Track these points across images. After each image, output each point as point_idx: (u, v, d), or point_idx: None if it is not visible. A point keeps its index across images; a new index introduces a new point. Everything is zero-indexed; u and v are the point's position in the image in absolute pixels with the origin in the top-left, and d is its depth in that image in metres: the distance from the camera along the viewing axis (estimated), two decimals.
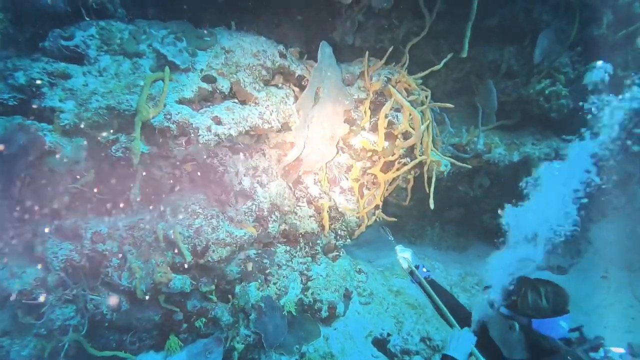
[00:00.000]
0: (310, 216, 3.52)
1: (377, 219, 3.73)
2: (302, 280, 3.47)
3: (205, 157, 2.84)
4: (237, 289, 3.21)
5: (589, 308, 4.19)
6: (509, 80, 4.50)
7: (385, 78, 3.65)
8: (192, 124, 2.60)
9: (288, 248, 3.50)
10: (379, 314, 3.74)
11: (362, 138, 3.65)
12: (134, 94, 2.52)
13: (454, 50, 3.67)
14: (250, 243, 3.15)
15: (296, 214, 3.45)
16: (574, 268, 4.84)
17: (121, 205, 2.75)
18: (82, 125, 2.48)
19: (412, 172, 3.85)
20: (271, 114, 3.03)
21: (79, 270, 2.69)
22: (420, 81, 3.82)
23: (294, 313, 3.32)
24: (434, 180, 3.63)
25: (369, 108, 3.66)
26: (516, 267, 1.62)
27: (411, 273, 2.23)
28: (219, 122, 2.73)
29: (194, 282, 2.97)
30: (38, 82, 2.35)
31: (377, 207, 3.81)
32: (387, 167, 3.69)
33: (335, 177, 3.69)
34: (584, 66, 4.21)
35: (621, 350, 1.43)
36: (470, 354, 1.68)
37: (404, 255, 2.30)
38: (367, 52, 3.64)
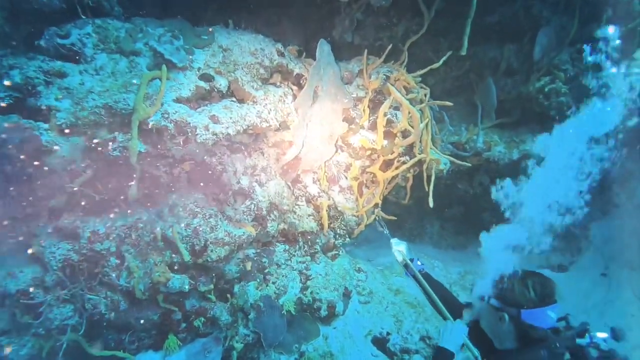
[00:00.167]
0: (309, 215, 3.51)
1: (377, 218, 3.72)
2: (301, 280, 3.47)
3: (203, 156, 2.83)
4: (236, 288, 3.20)
5: (589, 306, 4.19)
6: (508, 78, 4.48)
7: (384, 76, 3.63)
8: (189, 123, 2.59)
9: (287, 247, 3.49)
10: (378, 312, 3.73)
11: (361, 136, 3.64)
12: (130, 93, 2.50)
13: (453, 48, 3.65)
14: (249, 242, 3.14)
15: (295, 213, 3.44)
16: (574, 266, 4.83)
17: (119, 204, 2.74)
18: (78, 124, 2.46)
19: (412, 170, 3.84)
20: (269, 113, 3.01)
21: (77, 270, 2.68)
22: (419, 79, 3.80)
23: (293, 312, 3.31)
24: (433, 178, 3.62)
25: (368, 106, 3.64)
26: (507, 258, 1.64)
27: (405, 266, 2.28)
28: (216, 121, 2.72)
29: (192, 282, 2.96)
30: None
31: (376, 205, 3.80)
32: (386, 165, 3.67)
33: (334, 176, 3.68)
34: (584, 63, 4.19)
35: (604, 335, 1.48)
36: (463, 345, 1.72)
37: (399, 248, 2.35)
38: (365, 50, 3.62)
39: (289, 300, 3.32)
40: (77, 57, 2.58)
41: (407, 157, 3.68)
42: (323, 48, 3.35)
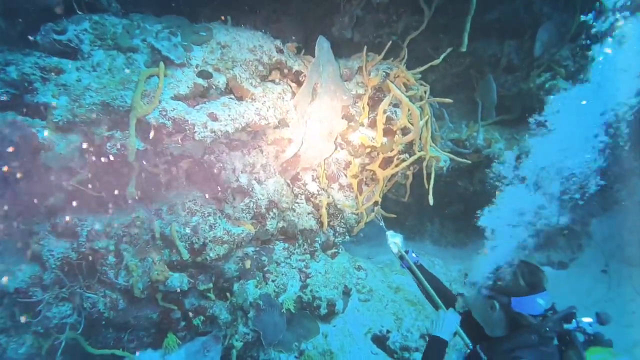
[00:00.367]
0: (309, 213, 3.49)
1: (376, 216, 3.71)
2: (300, 278, 3.45)
3: (201, 154, 2.81)
4: (235, 286, 3.19)
5: (590, 302, 4.19)
6: (508, 75, 4.46)
7: (384, 73, 3.60)
8: (187, 120, 2.57)
9: (286, 245, 3.48)
10: (378, 310, 3.73)
11: (361, 134, 3.62)
12: (128, 90, 2.48)
13: (453, 44, 3.63)
14: (248, 240, 3.13)
15: (294, 210, 3.42)
16: (574, 262, 4.83)
17: (117, 202, 2.72)
18: (76, 122, 2.44)
19: (411, 168, 3.82)
20: (268, 110, 2.99)
21: (76, 268, 2.66)
22: (419, 76, 3.78)
23: (293, 310, 3.30)
24: (433, 176, 3.60)
25: (368, 104, 3.62)
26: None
27: (401, 257, 2.32)
28: (215, 118, 2.70)
29: (191, 280, 2.95)
30: None
31: (376, 203, 3.78)
32: (386, 163, 3.65)
33: (333, 174, 3.66)
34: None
35: (589, 320, 1.53)
36: (455, 333, 1.77)
37: (395, 240, 2.39)
38: (365, 47, 3.60)
39: (288, 299, 3.31)
40: (74, 54, 2.56)
41: (407, 155, 3.66)
42: (322, 45, 3.32)
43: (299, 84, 3.36)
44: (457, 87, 4.64)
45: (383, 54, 3.59)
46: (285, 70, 3.32)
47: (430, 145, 3.64)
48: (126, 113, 2.47)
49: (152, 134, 2.49)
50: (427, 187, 3.55)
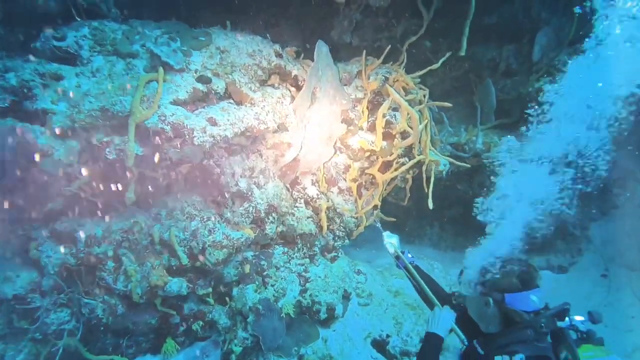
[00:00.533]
0: (308, 217, 3.49)
1: (374, 219, 3.71)
2: (300, 282, 3.45)
3: (200, 158, 2.81)
4: (235, 291, 3.18)
5: (589, 306, 4.17)
6: (507, 79, 4.46)
7: (383, 77, 3.61)
8: (186, 125, 2.57)
9: (286, 249, 3.47)
10: (378, 315, 3.71)
11: (360, 138, 3.62)
12: (127, 95, 2.49)
13: (452, 48, 3.64)
14: (248, 245, 3.12)
15: (294, 215, 3.42)
16: (574, 267, 4.82)
17: (116, 207, 2.72)
18: (75, 127, 2.44)
19: (411, 171, 3.83)
20: (267, 115, 3.00)
21: (74, 274, 2.66)
22: (418, 80, 3.79)
23: (292, 315, 3.29)
24: (432, 179, 3.60)
25: (367, 107, 3.62)
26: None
27: (397, 257, 2.36)
28: (214, 123, 2.70)
29: (190, 285, 2.94)
30: None
31: (375, 207, 3.78)
32: (386, 167, 3.66)
33: (333, 178, 3.66)
34: None
35: (581, 318, 1.57)
36: (451, 330, 1.80)
37: (391, 240, 2.43)
38: (364, 51, 3.61)
39: (287, 303, 3.30)
40: (74, 60, 2.56)
41: (406, 159, 3.66)
42: (321, 49, 3.33)
43: (298, 88, 3.37)
44: (456, 91, 4.65)
45: (382, 58, 3.60)
46: (285, 75, 3.32)
47: (430, 149, 3.64)
48: (125, 118, 2.47)
49: (154, 140, 2.49)
50: (426, 190, 3.55)
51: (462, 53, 3.54)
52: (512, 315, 1.57)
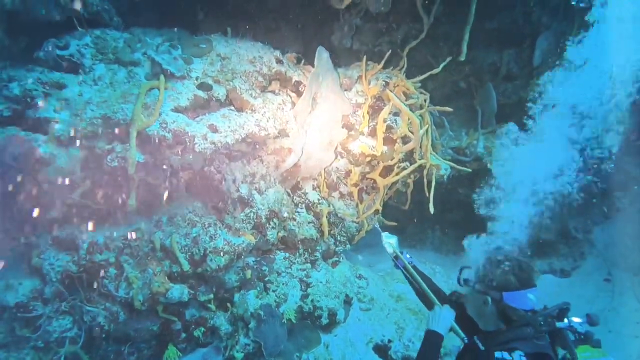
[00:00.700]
0: (309, 222, 3.49)
1: (374, 223, 3.71)
2: (301, 287, 3.44)
3: (202, 165, 2.82)
4: (236, 297, 3.18)
5: (592, 312, 4.14)
6: (508, 83, 4.47)
7: (384, 82, 3.62)
8: (188, 132, 2.58)
9: (287, 255, 3.47)
10: (379, 320, 3.70)
11: (361, 143, 3.62)
12: (129, 103, 2.50)
13: (452, 53, 3.64)
14: (249, 250, 3.13)
15: (295, 220, 3.42)
16: (577, 271, 4.80)
17: (118, 215, 2.73)
18: (77, 135, 2.46)
19: (412, 176, 3.82)
20: (268, 121, 3.00)
21: (76, 281, 2.66)
22: (419, 84, 3.79)
23: (294, 320, 3.28)
24: (433, 184, 3.60)
25: (368, 112, 3.63)
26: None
27: (396, 258, 2.37)
28: (215, 130, 2.71)
29: (192, 291, 2.94)
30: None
31: (376, 212, 3.78)
32: (387, 171, 3.66)
33: (334, 182, 3.66)
34: None
35: (579, 320, 1.60)
36: (451, 328, 1.82)
37: (390, 241, 2.44)
38: (365, 56, 3.62)
39: (289, 309, 3.30)
40: (76, 68, 2.58)
41: (407, 163, 3.66)
42: (322, 55, 3.34)
43: (299, 94, 3.38)
44: (457, 95, 4.66)
45: (382, 62, 3.61)
46: (285, 81, 3.34)
47: (431, 154, 3.64)
48: (127, 126, 2.48)
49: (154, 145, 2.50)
50: (427, 195, 3.54)
51: (462, 58, 3.55)
52: (510, 314, 1.60)
